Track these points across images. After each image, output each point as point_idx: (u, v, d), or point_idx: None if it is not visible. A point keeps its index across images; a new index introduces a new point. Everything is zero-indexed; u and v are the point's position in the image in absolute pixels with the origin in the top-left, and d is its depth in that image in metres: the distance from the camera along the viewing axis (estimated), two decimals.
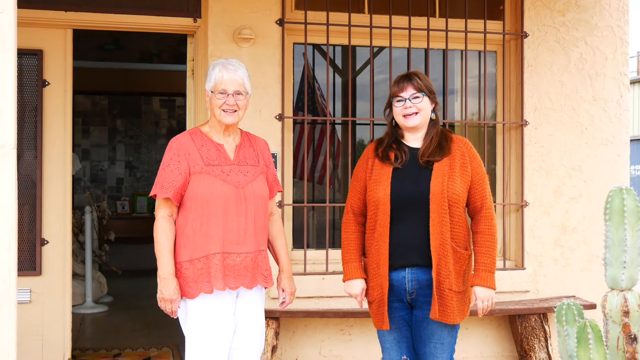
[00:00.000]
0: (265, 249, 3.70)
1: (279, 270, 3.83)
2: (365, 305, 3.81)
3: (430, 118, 3.66)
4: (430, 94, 3.64)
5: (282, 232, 3.89)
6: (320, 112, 6.43)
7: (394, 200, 3.56)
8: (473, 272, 3.61)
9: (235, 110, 3.59)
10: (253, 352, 3.67)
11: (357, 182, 3.74)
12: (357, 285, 3.70)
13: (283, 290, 3.82)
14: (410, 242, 3.56)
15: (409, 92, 3.60)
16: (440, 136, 3.65)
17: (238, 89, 3.59)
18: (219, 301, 3.52)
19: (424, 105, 3.62)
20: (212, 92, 3.60)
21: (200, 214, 3.51)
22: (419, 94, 3.60)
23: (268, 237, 3.79)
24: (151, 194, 3.58)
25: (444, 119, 5.96)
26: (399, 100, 3.63)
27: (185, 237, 3.53)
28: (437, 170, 3.55)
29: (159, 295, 3.53)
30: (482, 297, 3.57)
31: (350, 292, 3.73)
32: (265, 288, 3.71)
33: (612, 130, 6.10)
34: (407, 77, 3.64)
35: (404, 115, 3.62)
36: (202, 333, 3.51)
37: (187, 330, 3.58)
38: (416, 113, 3.60)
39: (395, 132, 3.72)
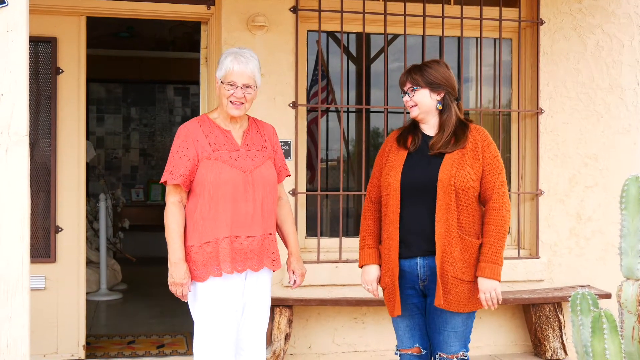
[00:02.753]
0: (273, 233, 3.74)
1: (288, 254, 3.88)
2: (381, 294, 3.81)
3: (437, 108, 3.66)
4: (431, 85, 3.64)
5: (291, 215, 3.93)
6: (333, 100, 6.41)
7: (404, 186, 3.59)
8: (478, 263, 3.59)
9: (242, 103, 3.60)
10: (259, 332, 3.74)
11: (375, 169, 3.81)
12: (372, 271, 3.73)
13: (293, 272, 3.87)
14: (418, 229, 3.58)
15: (407, 86, 3.70)
16: (457, 127, 3.64)
17: (247, 82, 3.59)
18: (228, 284, 3.58)
19: (420, 98, 3.65)
20: (222, 82, 3.62)
21: (208, 199, 3.56)
22: (415, 88, 3.66)
23: (277, 221, 3.83)
24: (161, 180, 3.63)
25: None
26: (402, 94, 3.74)
27: (195, 222, 3.58)
28: (447, 158, 3.57)
29: (169, 280, 3.58)
30: (482, 289, 3.53)
31: (365, 278, 3.75)
32: (273, 271, 3.75)
33: (629, 119, 6.05)
34: (407, 72, 3.73)
35: (407, 107, 3.72)
36: (210, 315, 3.57)
37: (196, 312, 3.64)
38: (414, 105, 3.67)
39: (414, 119, 3.78)
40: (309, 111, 5.88)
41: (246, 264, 3.59)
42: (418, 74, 3.67)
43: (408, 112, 3.80)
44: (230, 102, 3.59)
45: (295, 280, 3.88)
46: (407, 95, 3.68)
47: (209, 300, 3.58)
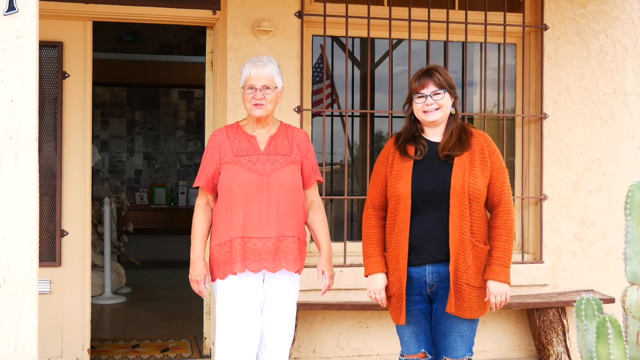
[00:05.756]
0: (293, 235, 3.78)
1: (320, 255, 3.93)
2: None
3: (450, 112, 3.66)
4: (451, 89, 3.63)
5: (324, 220, 3.98)
6: (338, 105, 6.44)
7: (415, 194, 3.56)
8: (487, 267, 3.59)
9: (263, 104, 3.76)
10: (281, 333, 3.84)
11: (377, 176, 3.75)
12: (379, 279, 3.69)
13: (323, 273, 3.90)
14: (430, 237, 3.56)
15: (430, 88, 3.59)
16: (460, 130, 3.65)
17: (266, 83, 3.77)
18: (244, 282, 3.73)
19: (445, 101, 3.61)
20: (242, 88, 3.82)
21: (225, 201, 3.75)
22: (440, 91, 3.59)
23: (311, 226, 3.94)
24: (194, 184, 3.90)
25: (463, 111, 5.95)
26: (419, 97, 3.61)
27: (216, 223, 3.80)
28: (457, 164, 3.55)
29: (189, 276, 3.83)
30: (494, 292, 3.55)
31: (372, 287, 3.70)
32: (297, 272, 3.82)
33: (633, 124, 6.06)
34: (428, 73, 3.63)
35: (425, 111, 3.61)
36: (229, 313, 3.73)
37: (217, 309, 3.82)
38: (437, 109, 3.60)
39: (414, 126, 3.72)
40: (313, 115, 5.90)
41: (261, 264, 3.71)
42: (441, 76, 3.61)
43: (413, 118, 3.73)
44: (253, 104, 3.76)
45: (324, 282, 3.89)
46: (428, 98, 3.58)
47: (228, 297, 3.74)
